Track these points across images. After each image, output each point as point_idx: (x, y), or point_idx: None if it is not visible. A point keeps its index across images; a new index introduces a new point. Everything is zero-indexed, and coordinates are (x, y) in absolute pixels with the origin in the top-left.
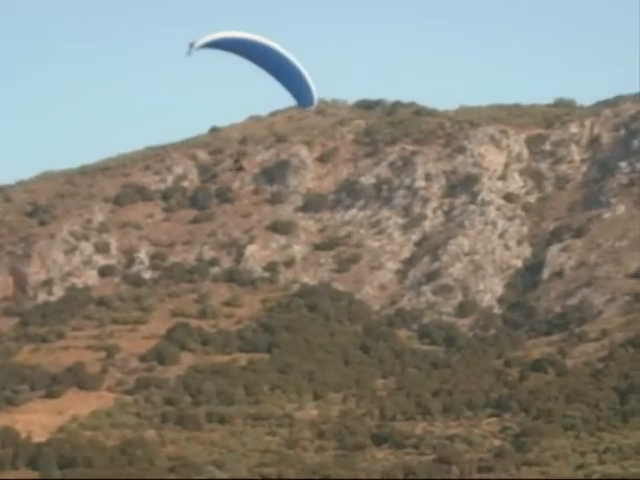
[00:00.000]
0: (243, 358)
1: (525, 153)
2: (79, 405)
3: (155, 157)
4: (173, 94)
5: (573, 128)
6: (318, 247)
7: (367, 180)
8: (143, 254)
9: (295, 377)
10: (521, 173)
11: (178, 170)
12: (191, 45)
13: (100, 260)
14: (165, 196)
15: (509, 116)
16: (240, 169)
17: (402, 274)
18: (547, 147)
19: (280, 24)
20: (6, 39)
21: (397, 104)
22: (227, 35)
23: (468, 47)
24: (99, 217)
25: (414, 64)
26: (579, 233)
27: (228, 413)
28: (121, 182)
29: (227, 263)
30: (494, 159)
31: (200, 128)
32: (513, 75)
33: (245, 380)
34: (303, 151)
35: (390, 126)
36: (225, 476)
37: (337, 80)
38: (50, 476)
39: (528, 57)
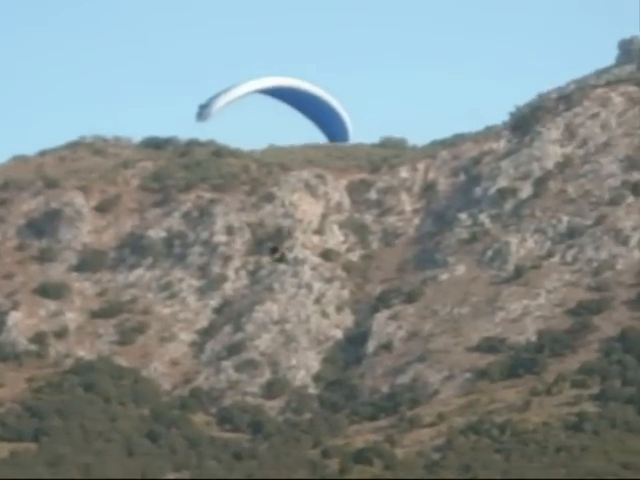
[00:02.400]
0: (4, 448)
1: (346, 202)
2: None
3: None
4: None
5: (403, 173)
6: (96, 314)
7: (156, 234)
8: None
9: (68, 471)
10: (341, 226)
11: None
12: (203, 107)
13: None
14: None
15: (327, 158)
16: (281, 260)
17: (198, 347)
18: (372, 195)
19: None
20: None
21: (192, 143)
22: (243, 90)
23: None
24: None
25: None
26: (411, 298)
27: None
28: None
29: None
30: (309, 209)
31: None
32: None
33: (5, 476)
34: (78, 199)
35: (184, 169)
36: None
37: (120, 113)
38: None
39: (350, 88)
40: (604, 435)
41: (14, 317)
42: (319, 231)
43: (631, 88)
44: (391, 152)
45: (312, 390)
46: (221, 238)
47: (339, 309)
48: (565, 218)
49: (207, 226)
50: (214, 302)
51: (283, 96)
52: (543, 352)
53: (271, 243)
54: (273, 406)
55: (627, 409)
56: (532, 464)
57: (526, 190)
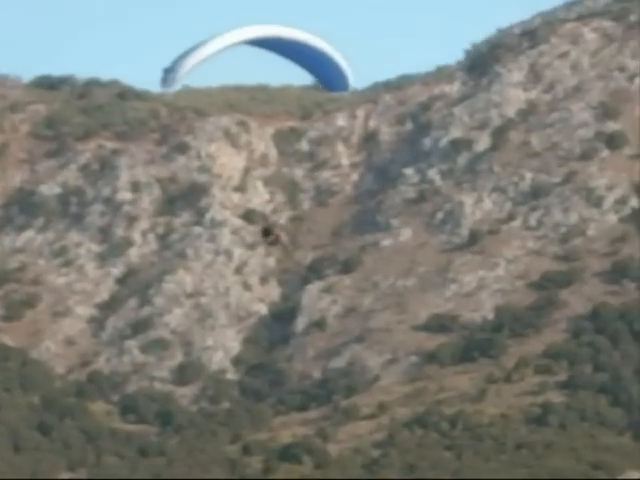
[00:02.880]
0: None
1: (273, 154)
2: None
3: None
4: None
5: (340, 120)
6: None
7: (49, 190)
8: None
9: None
10: (267, 182)
11: None
12: (168, 72)
13: None
14: None
15: (251, 102)
16: (274, 243)
17: (98, 323)
18: (303, 146)
19: None
20: None
21: (92, 83)
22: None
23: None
24: None
25: (115, 28)
26: (347, 267)
27: None
28: None
29: None
30: (229, 162)
31: None
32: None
33: None
34: None
35: (82, 114)
36: None
37: (7, 48)
38: None
39: (280, 20)
40: (572, 429)
41: None
42: (241, 188)
43: (606, 23)
44: (326, 96)
45: (231, 375)
46: (125, 195)
47: (263, 280)
48: (528, 175)
49: (109, 181)
50: (117, 271)
51: (269, 47)
52: (502, 332)
53: (263, 223)
54: (185, 394)
55: (599, 399)
56: (488, 463)
57: (483, 142)
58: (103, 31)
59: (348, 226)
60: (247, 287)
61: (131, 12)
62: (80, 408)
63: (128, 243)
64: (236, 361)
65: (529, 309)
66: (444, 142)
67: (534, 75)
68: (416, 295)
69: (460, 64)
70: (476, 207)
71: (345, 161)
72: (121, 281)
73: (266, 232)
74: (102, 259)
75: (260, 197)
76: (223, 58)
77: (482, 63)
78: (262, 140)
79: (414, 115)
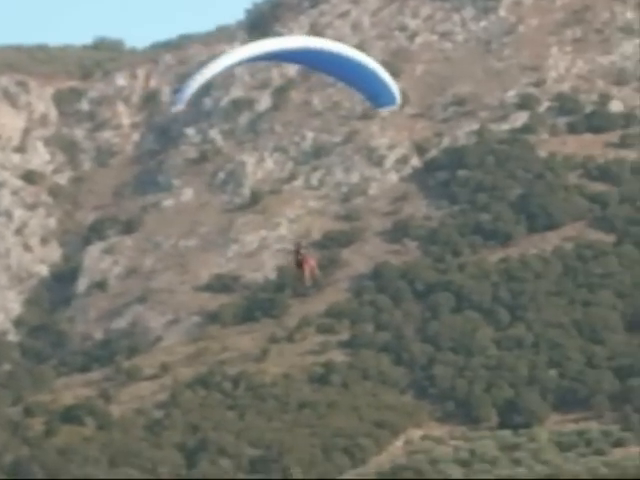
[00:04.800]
0: None
1: (53, 115)
2: None
3: None
4: None
5: (120, 80)
6: None
7: None
8: None
9: None
10: (47, 143)
11: None
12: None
13: None
14: None
15: (30, 62)
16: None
17: None
18: (84, 106)
19: None
20: None
21: None
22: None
23: None
24: None
25: None
26: (129, 228)
27: None
28: None
29: None
30: (9, 122)
31: None
32: (40, 5)
33: None
34: None
35: None
36: None
37: None
38: None
39: None
40: (354, 388)
41: None
42: (20, 149)
43: None
44: (106, 55)
45: (12, 337)
46: None
47: (44, 241)
48: (310, 134)
49: None
50: None
51: (296, 60)
52: (284, 292)
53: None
54: None
55: (381, 358)
56: (271, 423)
57: (264, 101)
58: None
59: (129, 186)
60: (28, 248)
61: None
62: None
63: None
64: (17, 323)
65: None
66: (225, 102)
67: (315, 35)
68: (198, 255)
69: (241, 24)
70: (258, 167)
71: (126, 121)
72: None
73: (297, 254)
74: None
75: (40, 158)
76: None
77: (263, 22)
78: (42, 100)
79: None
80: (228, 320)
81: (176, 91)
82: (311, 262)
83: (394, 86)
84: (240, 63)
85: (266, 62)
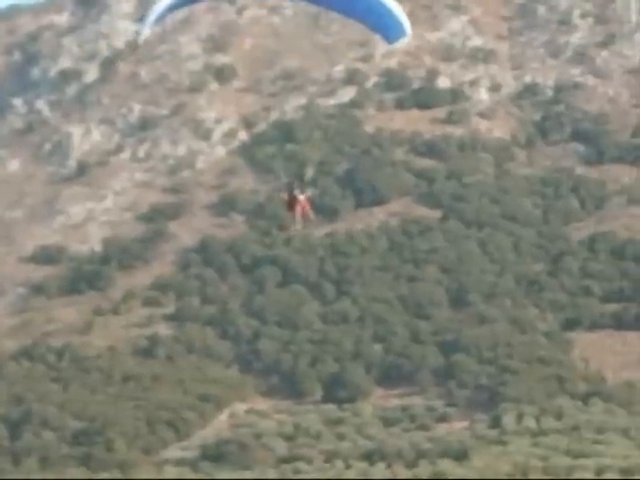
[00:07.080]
0: None
1: None
2: None
3: None
4: None
5: None
6: None
7: None
8: None
9: None
10: None
11: None
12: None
13: None
14: None
15: None
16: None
17: None
18: None
19: None
20: None
21: None
22: None
23: None
24: None
25: None
26: None
27: None
28: None
29: None
30: None
31: None
32: None
33: None
34: None
35: None
36: None
37: None
38: None
39: None
40: (179, 362)
41: None
42: None
43: None
44: None
45: None
46: None
47: None
48: (137, 107)
49: None
50: None
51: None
52: (110, 264)
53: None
54: None
55: (206, 331)
56: (95, 395)
57: (92, 73)
58: None
59: None
60: None
61: None
62: None
63: None
64: None
65: (137, 241)
66: (53, 72)
67: (143, 7)
68: (23, 226)
69: None
70: (84, 138)
71: None
72: None
73: (290, 198)
74: None
75: None
76: None
77: None
78: None
79: (23, 45)
80: (53, 292)
81: (140, 19)
82: (303, 203)
83: (403, 16)
84: None
85: None
